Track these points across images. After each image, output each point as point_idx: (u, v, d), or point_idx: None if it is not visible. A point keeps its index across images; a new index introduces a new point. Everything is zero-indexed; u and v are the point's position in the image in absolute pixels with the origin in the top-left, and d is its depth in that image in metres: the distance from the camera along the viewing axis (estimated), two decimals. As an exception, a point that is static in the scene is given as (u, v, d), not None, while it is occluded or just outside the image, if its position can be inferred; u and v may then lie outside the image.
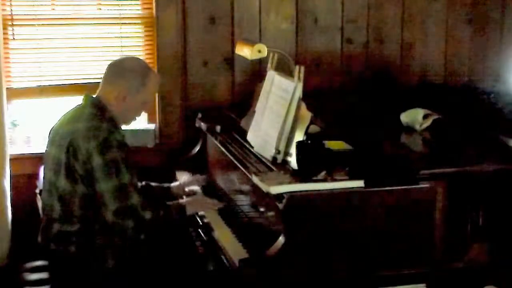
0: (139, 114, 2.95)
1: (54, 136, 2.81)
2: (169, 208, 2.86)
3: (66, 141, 2.70)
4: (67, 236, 2.73)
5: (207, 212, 2.99)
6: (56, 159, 2.73)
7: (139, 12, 3.85)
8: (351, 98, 3.81)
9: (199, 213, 3.01)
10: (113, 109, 2.81)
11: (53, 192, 2.75)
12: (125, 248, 2.76)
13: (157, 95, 3.79)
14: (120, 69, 2.84)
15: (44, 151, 2.89)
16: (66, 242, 2.73)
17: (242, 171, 2.85)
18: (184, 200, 3.06)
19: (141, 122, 3.85)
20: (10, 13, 3.62)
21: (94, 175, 2.65)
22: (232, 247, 2.65)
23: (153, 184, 3.19)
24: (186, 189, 3.25)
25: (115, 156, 2.66)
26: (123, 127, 2.90)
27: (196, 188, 3.28)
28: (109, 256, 2.74)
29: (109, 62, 2.93)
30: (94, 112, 2.77)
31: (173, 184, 3.26)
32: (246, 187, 2.91)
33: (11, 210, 3.60)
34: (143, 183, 3.14)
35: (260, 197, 2.72)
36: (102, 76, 2.88)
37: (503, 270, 2.75)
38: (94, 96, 2.85)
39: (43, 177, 2.87)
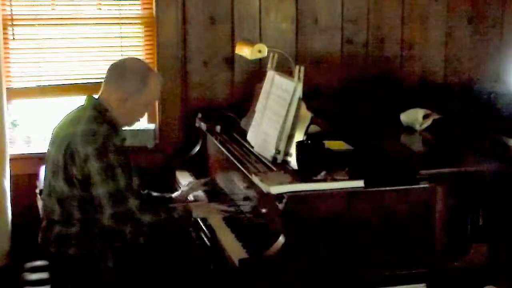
0: (142, 116, 2.93)
1: (55, 137, 2.80)
2: (171, 211, 2.84)
3: (64, 143, 2.68)
4: (67, 238, 2.72)
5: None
6: (56, 161, 2.72)
7: (139, 12, 3.85)
8: (351, 98, 3.81)
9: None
10: (114, 111, 2.79)
11: (53, 195, 2.75)
12: (124, 250, 2.76)
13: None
14: (120, 71, 2.82)
15: (46, 151, 2.88)
16: (66, 244, 2.73)
17: (242, 171, 2.85)
18: (191, 203, 3.04)
19: (141, 122, 3.84)
20: (10, 13, 3.61)
21: (90, 180, 2.64)
22: (232, 247, 2.65)
23: (154, 194, 3.16)
24: (190, 197, 3.21)
25: (112, 160, 2.64)
26: (125, 128, 2.89)
27: (199, 194, 3.25)
28: (109, 257, 2.73)
29: (109, 62, 2.92)
30: (94, 114, 2.75)
31: (175, 194, 3.21)
32: (246, 187, 2.91)
33: (11, 210, 3.60)
34: (145, 192, 3.13)
35: (260, 197, 2.72)
36: (103, 77, 2.87)
37: (503, 270, 2.75)
38: (96, 97, 2.84)
39: (44, 178, 2.87)
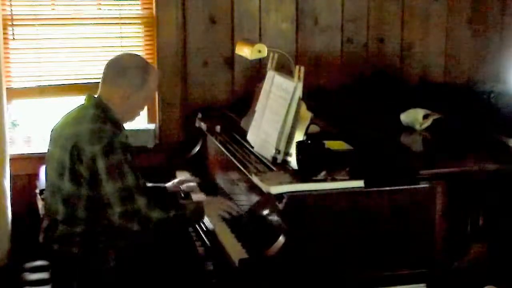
0: (143, 109, 2.94)
1: (58, 137, 2.78)
2: (182, 208, 2.83)
3: (70, 143, 2.68)
4: (71, 237, 2.72)
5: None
6: (60, 162, 2.71)
7: (139, 12, 3.85)
8: (351, 97, 3.81)
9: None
10: (116, 108, 2.79)
11: (57, 194, 2.74)
12: (127, 249, 2.76)
13: (157, 94, 3.79)
14: (120, 68, 2.81)
15: (47, 151, 2.87)
16: (69, 243, 2.72)
17: (242, 171, 2.85)
18: (202, 200, 3.03)
19: (141, 122, 3.85)
20: (10, 13, 3.62)
21: (98, 178, 2.64)
22: (232, 247, 2.65)
23: (149, 184, 3.16)
24: (182, 187, 3.25)
25: (120, 158, 2.65)
26: (126, 126, 2.89)
27: (192, 184, 3.27)
28: (111, 257, 2.73)
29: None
30: (97, 113, 2.74)
31: (168, 184, 3.25)
32: (246, 187, 2.90)
33: (11, 210, 3.60)
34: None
35: (260, 197, 2.72)
36: (101, 75, 2.86)
37: (503, 270, 2.75)
38: (96, 96, 2.84)
39: (46, 178, 2.85)
